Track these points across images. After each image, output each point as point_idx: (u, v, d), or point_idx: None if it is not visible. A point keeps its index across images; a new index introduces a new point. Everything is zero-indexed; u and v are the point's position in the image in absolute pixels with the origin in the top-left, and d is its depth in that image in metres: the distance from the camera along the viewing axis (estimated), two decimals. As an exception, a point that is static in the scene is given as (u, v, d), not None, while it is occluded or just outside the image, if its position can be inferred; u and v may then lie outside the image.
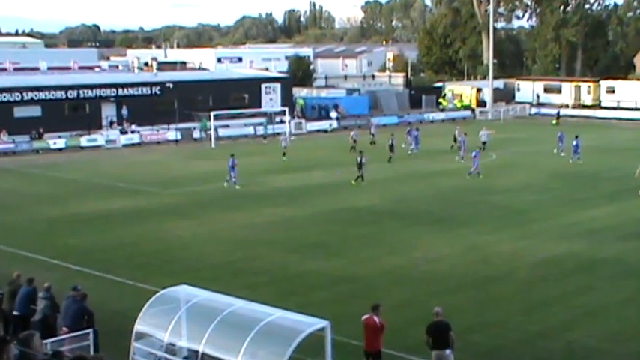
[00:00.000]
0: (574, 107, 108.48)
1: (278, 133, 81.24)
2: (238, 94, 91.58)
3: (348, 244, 36.48)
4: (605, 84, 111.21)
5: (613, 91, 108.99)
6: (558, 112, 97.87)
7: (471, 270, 32.10)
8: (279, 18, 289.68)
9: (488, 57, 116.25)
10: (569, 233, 38.40)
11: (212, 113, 76.54)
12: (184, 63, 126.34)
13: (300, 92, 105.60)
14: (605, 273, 31.63)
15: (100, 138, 76.60)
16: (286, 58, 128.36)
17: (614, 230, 39.07)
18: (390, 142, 63.12)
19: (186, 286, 21.92)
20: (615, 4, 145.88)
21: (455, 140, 68.01)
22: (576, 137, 62.93)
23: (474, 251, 35.03)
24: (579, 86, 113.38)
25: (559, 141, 66.05)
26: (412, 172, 57.52)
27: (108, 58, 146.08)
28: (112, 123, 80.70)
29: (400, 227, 39.90)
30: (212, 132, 77.11)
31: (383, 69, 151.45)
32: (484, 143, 65.50)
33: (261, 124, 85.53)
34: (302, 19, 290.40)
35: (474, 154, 56.43)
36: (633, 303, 27.95)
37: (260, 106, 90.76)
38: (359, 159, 53.23)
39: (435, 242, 36.75)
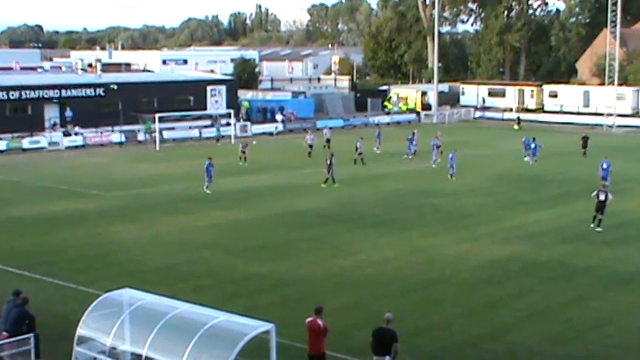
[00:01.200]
0: (518, 111, 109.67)
1: (223, 136, 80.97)
2: (183, 96, 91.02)
3: (293, 247, 36.46)
4: (548, 88, 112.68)
5: (556, 96, 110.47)
6: (519, 118, 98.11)
7: (415, 273, 32.30)
8: (224, 20, 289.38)
9: (434, 61, 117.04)
10: (512, 236, 38.83)
11: (157, 115, 76.00)
12: (129, 64, 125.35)
13: (245, 95, 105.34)
14: (547, 275, 32.02)
15: (42, 140, 75.57)
16: (232, 60, 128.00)
17: (556, 233, 39.59)
18: (357, 145, 62.88)
19: (129, 290, 21.72)
20: (558, 10, 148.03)
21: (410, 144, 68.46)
22: (534, 139, 64.89)
23: (418, 254, 35.25)
24: (523, 90, 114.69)
25: (524, 146, 66.52)
26: (358, 175, 57.67)
27: (51, 59, 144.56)
28: (54, 125, 79.72)
29: (345, 230, 39.99)
30: (157, 134, 76.57)
31: (329, 72, 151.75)
32: (438, 147, 65.88)
33: (207, 126, 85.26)
34: (248, 21, 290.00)
35: (450, 155, 57.18)
36: (574, 305, 28.33)
37: (205, 109, 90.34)
38: (328, 160, 53.48)
39: (379, 245, 36.89)
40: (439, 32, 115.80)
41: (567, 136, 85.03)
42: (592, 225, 40.51)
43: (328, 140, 71.75)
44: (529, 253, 35.55)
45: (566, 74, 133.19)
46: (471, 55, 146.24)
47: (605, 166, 52.95)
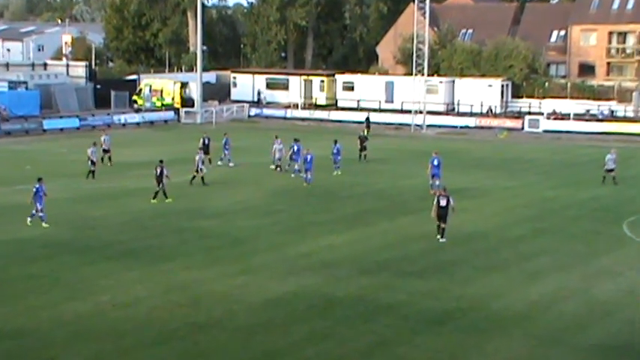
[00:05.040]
0: (305, 108, 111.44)
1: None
2: None
3: (10, 288, 35.66)
4: (341, 79, 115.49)
5: (352, 88, 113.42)
6: (368, 119, 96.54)
7: (175, 316, 32.23)
8: None
9: (196, 43, 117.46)
10: (299, 267, 39.44)
11: None
12: None
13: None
14: (343, 315, 32.69)
15: None
16: None
17: (354, 262, 40.52)
18: (197, 158, 60.85)
19: None
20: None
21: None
22: (335, 142, 66.35)
23: (179, 292, 35.22)
24: (311, 81, 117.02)
25: (335, 156, 66.28)
26: (97, 192, 57.08)
27: None
28: None
29: (81, 263, 39.45)
30: None
31: (59, 56, 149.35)
32: (279, 160, 66.19)
33: None
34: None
35: (309, 157, 59.72)
36: (377, 352, 29.07)
37: None
38: (158, 170, 53.34)
39: (127, 282, 36.61)
40: (203, 6, 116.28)
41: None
42: (438, 237, 43.95)
43: (106, 150, 68.82)
44: (320, 287, 36.24)
45: (365, 61, 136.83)
46: (245, 36, 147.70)
47: (436, 162, 57.33)
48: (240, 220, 49.55)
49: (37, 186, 47.40)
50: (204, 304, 33.81)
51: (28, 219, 47.24)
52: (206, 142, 68.15)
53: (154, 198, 53.89)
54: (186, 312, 32.79)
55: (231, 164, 68.98)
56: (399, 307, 33.87)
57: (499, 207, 54.65)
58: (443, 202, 43.45)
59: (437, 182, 56.50)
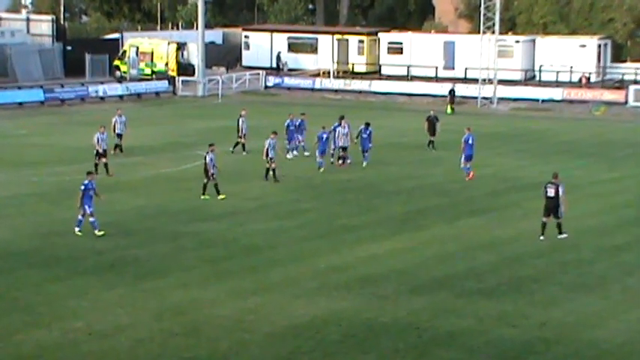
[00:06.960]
0: (339, 76, 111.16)
1: None
2: None
3: (-44, 311, 35.78)
4: (386, 38, 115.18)
5: (400, 51, 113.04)
6: (452, 91, 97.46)
7: (168, 349, 32.15)
8: None
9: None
10: (331, 284, 39.33)
11: None
12: None
13: None
14: (389, 347, 32.49)
15: None
16: None
17: (402, 277, 40.39)
18: (268, 143, 60.44)
19: None
20: None
21: (240, 133, 68.48)
22: (367, 125, 65.87)
23: (173, 317, 35.15)
24: (346, 41, 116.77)
25: (365, 142, 66.14)
26: (67, 186, 56.94)
27: None
28: None
29: (47, 280, 39.46)
30: None
31: (16, 7, 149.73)
32: (344, 149, 65.94)
33: None
34: None
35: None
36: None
37: None
38: (207, 157, 54.20)
39: (107, 303, 36.61)
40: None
41: (419, 117, 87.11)
42: (541, 237, 44.95)
43: (119, 135, 68.38)
44: (359, 311, 36.08)
45: (417, 15, 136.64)
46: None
47: (470, 141, 59.63)
48: (253, 223, 49.53)
49: (86, 182, 46.86)
50: (205, 333, 33.72)
51: (76, 228, 46.86)
52: (239, 122, 68.27)
53: (203, 193, 54.35)
54: (182, 343, 32.70)
55: (306, 153, 68.89)
56: (462, 336, 33.75)
57: (594, 206, 54.36)
58: (551, 192, 44.77)
59: (468, 165, 59.76)
